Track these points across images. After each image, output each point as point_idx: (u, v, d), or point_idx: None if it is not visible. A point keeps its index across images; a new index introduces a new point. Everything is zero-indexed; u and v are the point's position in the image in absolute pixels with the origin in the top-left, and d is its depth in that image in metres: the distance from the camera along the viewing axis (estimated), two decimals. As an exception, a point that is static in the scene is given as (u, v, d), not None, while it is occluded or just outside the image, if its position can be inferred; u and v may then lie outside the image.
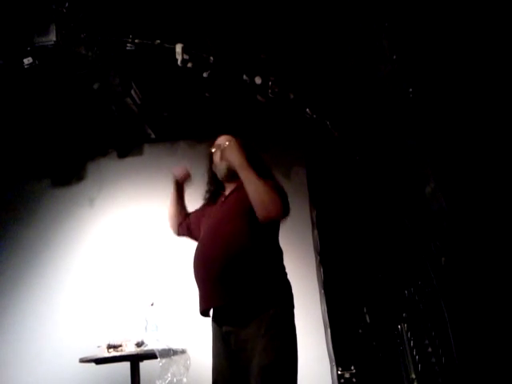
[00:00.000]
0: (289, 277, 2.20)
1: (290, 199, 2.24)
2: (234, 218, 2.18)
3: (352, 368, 3.53)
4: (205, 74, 3.32)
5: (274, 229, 2.25)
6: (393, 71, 3.12)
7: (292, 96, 3.45)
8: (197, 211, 2.57)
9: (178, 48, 3.22)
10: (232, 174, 2.32)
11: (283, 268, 2.20)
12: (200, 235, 2.33)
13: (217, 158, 2.41)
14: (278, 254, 2.23)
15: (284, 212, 2.14)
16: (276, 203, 2.10)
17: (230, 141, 2.32)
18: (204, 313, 2.22)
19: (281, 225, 2.28)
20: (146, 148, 4.37)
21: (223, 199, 2.34)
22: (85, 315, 3.77)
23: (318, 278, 3.74)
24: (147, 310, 3.09)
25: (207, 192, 2.52)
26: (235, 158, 2.18)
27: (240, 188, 2.28)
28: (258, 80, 3.36)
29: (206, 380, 2.88)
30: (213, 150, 2.46)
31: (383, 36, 3.01)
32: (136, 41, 3.21)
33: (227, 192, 2.38)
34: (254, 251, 2.11)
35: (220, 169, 2.38)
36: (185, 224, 2.60)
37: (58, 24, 2.98)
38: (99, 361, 2.91)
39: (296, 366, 2.04)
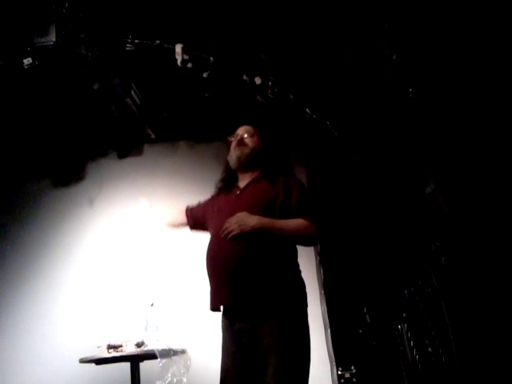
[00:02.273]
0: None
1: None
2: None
3: (352, 368, 3.53)
4: (204, 75, 3.32)
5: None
6: (393, 71, 3.12)
7: (292, 96, 3.45)
8: (204, 203, 2.52)
9: (178, 48, 3.22)
10: (244, 164, 2.33)
11: (297, 266, 2.19)
12: (210, 224, 2.30)
13: (232, 146, 2.40)
14: (293, 252, 2.21)
15: (317, 225, 2.16)
16: (312, 233, 2.14)
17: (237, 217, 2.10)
18: (215, 309, 2.18)
19: None
20: (146, 148, 4.37)
21: (238, 192, 2.30)
22: (85, 315, 3.77)
23: (317, 278, 3.74)
24: (147, 310, 3.09)
25: (220, 181, 2.47)
26: (251, 225, 2.07)
27: (256, 181, 2.29)
28: (257, 80, 3.35)
29: (206, 380, 2.90)
30: (230, 139, 2.44)
31: (383, 36, 3.01)
32: (136, 41, 3.21)
33: (242, 183, 2.33)
34: (271, 248, 2.09)
35: (232, 157, 2.37)
36: (191, 220, 2.55)
37: (57, 24, 2.98)
38: (99, 361, 2.91)
39: (309, 365, 2.03)
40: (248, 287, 2.03)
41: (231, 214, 2.15)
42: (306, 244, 2.27)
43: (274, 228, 2.10)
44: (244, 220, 2.07)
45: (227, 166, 2.44)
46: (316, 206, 2.31)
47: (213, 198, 2.46)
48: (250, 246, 2.07)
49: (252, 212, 2.13)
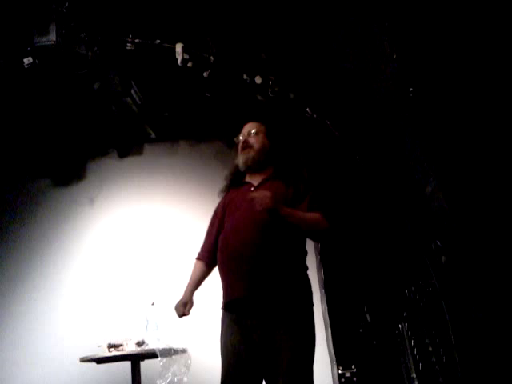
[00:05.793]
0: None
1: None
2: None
3: (353, 367, 3.53)
4: (205, 74, 3.32)
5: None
6: (393, 70, 3.11)
7: (292, 95, 3.45)
8: (212, 224, 2.41)
9: (178, 48, 3.23)
10: (252, 167, 2.30)
11: (306, 265, 2.22)
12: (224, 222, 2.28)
13: (238, 148, 2.37)
14: (304, 251, 2.24)
15: (329, 221, 2.18)
16: (325, 228, 2.17)
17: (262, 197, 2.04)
18: (229, 303, 2.14)
19: None
20: (146, 148, 4.37)
21: (252, 188, 2.26)
22: (85, 315, 3.77)
23: (318, 277, 3.74)
24: (148, 309, 3.09)
25: (229, 176, 2.44)
26: (276, 213, 2.04)
27: (270, 179, 2.27)
28: (258, 79, 3.35)
29: (206, 379, 2.90)
30: (239, 138, 2.40)
31: (384, 35, 3.01)
32: (136, 40, 3.21)
33: (254, 181, 2.30)
34: (286, 245, 2.11)
35: (239, 161, 2.34)
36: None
37: (58, 24, 2.98)
38: (100, 360, 2.92)
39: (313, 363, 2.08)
40: (265, 281, 2.03)
41: (247, 213, 2.15)
42: (317, 237, 2.34)
43: (295, 216, 2.11)
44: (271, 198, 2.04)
45: (235, 169, 2.40)
46: (328, 203, 2.32)
47: (220, 206, 2.40)
48: (266, 240, 2.08)
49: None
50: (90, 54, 3.18)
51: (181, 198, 4.13)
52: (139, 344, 2.85)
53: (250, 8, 3.14)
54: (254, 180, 2.31)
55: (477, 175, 3.02)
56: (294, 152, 2.44)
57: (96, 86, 3.44)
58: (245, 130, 2.39)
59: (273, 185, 2.24)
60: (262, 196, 2.02)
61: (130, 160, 4.35)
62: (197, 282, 2.39)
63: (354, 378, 3.50)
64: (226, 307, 2.16)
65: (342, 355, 3.52)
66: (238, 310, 2.10)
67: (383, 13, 2.92)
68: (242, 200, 2.23)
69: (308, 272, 2.25)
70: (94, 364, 2.98)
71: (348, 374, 3.50)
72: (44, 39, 2.98)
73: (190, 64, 3.25)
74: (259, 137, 2.35)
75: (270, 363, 2.00)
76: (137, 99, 3.77)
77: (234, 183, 2.38)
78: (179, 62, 3.23)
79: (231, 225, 2.21)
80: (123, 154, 4.37)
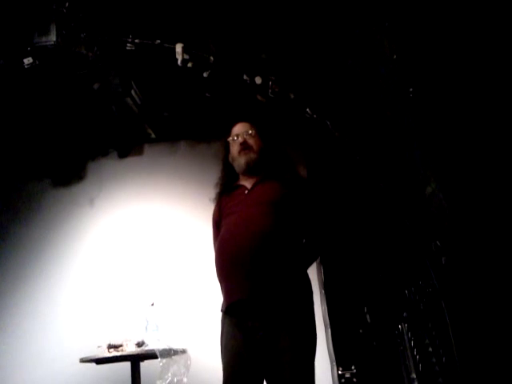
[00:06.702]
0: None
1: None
2: (265, 213, 2.13)
3: (352, 368, 3.53)
4: (205, 74, 3.32)
5: (300, 227, 2.24)
6: (393, 71, 3.12)
7: (292, 96, 3.45)
8: (215, 219, 2.40)
9: (178, 48, 3.22)
10: (253, 168, 2.28)
11: None
12: (221, 225, 2.26)
13: (234, 149, 2.33)
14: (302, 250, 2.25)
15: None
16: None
17: None
18: (230, 305, 2.11)
19: None
20: (147, 148, 4.38)
21: (246, 191, 2.25)
22: (85, 315, 3.77)
23: (318, 277, 3.74)
24: (148, 309, 3.09)
25: (220, 181, 2.42)
26: None
27: (263, 180, 2.26)
28: (258, 80, 3.35)
29: (206, 380, 2.90)
30: (229, 139, 2.37)
31: (383, 36, 3.01)
32: (136, 41, 3.21)
33: (247, 183, 2.28)
34: (284, 245, 2.10)
35: (239, 163, 2.30)
36: None
37: (58, 24, 2.98)
38: (100, 361, 2.92)
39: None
40: (265, 282, 2.02)
41: (245, 214, 2.15)
42: None
43: None
44: None
45: (228, 168, 2.38)
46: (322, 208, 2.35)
47: (216, 213, 2.38)
48: (263, 241, 2.06)
49: (263, 209, 2.14)
50: (90, 54, 3.18)
51: (181, 198, 4.13)
52: (139, 344, 2.85)
53: (250, 8, 3.14)
54: (247, 182, 2.29)
55: (477, 175, 3.02)
56: (284, 152, 2.42)
57: (96, 86, 3.44)
58: (239, 131, 2.35)
59: (265, 186, 2.24)
60: None
61: (130, 160, 4.35)
62: None
63: (354, 379, 3.50)
64: (227, 311, 2.13)
65: (341, 356, 3.52)
66: (239, 313, 2.08)
67: (383, 13, 2.92)
68: (236, 203, 2.23)
69: (308, 272, 2.25)
70: (93, 364, 2.98)
71: (348, 375, 3.50)
72: (44, 39, 2.98)
73: (190, 64, 3.25)
74: (256, 138, 2.33)
75: (271, 364, 1.99)
76: (137, 99, 3.77)
77: (226, 188, 2.36)
78: (179, 62, 3.23)
79: (227, 229, 2.20)
80: (123, 154, 4.37)
